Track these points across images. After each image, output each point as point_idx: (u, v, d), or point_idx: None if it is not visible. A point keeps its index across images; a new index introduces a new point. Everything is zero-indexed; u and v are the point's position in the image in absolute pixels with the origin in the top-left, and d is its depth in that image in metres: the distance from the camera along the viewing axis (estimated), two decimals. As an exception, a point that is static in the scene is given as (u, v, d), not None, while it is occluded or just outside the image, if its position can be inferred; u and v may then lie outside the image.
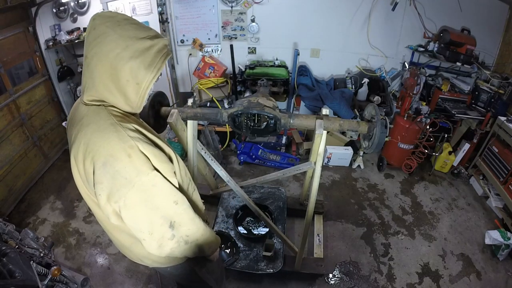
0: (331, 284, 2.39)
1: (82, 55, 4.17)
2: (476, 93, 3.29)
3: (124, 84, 0.96)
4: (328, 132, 1.88)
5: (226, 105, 3.59)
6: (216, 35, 3.75)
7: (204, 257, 1.33)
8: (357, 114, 3.35)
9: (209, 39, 3.78)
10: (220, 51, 3.86)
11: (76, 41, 3.52)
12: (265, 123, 1.83)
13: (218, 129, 3.72)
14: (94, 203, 1.07)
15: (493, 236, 2.53)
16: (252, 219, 2.65)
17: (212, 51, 3.86)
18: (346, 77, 3.71)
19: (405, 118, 3.24)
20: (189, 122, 1.96)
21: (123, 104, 1.01)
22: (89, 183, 0.97)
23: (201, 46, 3.80)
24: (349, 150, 3.58)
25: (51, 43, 3.40)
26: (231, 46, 3.33)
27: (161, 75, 1.06)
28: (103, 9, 3.57)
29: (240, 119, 1.81)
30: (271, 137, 3.86)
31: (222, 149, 3.81)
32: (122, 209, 0.94)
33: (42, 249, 1.87)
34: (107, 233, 1.26)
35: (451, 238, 2.77)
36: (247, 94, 3.63)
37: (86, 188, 1.03)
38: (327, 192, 3.28)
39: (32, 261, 1.66)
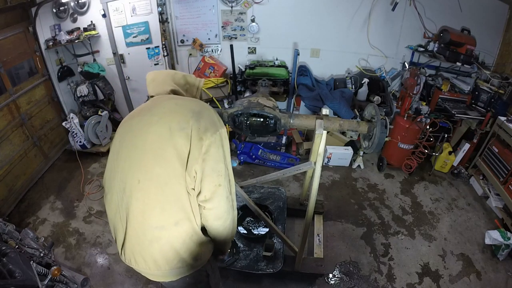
0: (331, 284, 2.39)
1: (82, 55, 4.17)
2: (476, 93, 3.29)
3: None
4: (328, 132, 1.89)
5: (226, 105, 3.59)
6: (216, 35, 3.75)
7: (215, 258, 1.40)
8: (357, 114, 3.34)
9: (209, 39, 3.78)
10: (220, 51, 3.86)
11: (76, 41, 3.52)
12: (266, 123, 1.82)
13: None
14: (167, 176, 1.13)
15: (493, 236, 2.53)
16: (252, 219, 2.65)
17: (212, 51, 3.86)
18: (346, 77, 3.71)
19: (405, 118, 3.24)
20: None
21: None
22: (179, 129, 1.13)
23: (201, 46, 3.80)
24: (349, 150, 3.58)
25: (51, 43, 3.40)
26: (231, 46, 3.33)
27: None
28: (103, 9, 3.57)
29: (240, 119, 1.81)
30: (271, 137, 3.86)
31: (222, 149, 3.81)
32: (212, 145, 1.14)
33: (42, 249, 1.88)
34: (142, 234, 1.17)
35: (451, 238, 2.77)
36: (247, 94, 3.63)
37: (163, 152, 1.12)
38: (327, 192, 3.28)
39: (32, 261, 1.66)
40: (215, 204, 1.17)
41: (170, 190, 1.13)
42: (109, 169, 1.26)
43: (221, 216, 1.21)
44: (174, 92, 1.35)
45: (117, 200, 1.20)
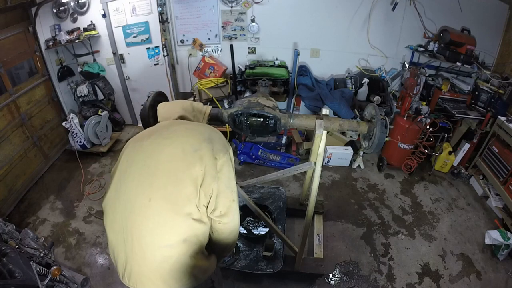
0: (331, 284, 2.39)
1: (82, 55, 4.17)
2: (476, 93, 3.29)
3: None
4: (328, 132, 1.88)
5: (226, 105, 3.59)
6: (216, 35, 3.75)
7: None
8: (357, 114, 3.35)
9: (209, 39, 3.78)
10: (220, 51, 3.86)
11: (76, 41, 3.52)
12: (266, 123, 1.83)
13: (218, 129, 3.70)
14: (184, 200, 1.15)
15: (493, 236, 2.53)
16: (252, 219, 2.65)
17: (212, 51, 3.86)
18: (346, 77, 3.71)
19: (405, 118, 3.24)
20: (189, 122, 1.96)
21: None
22: (193, 151, 1.19)
23: (201, 46, 3.80)
24: (349, 150, 3.58)
25: (51, 43, 3.41)
26: (231, 46, 3.33)
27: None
28: (103, 9, 3.57)
29: (240, 119, 1.81)
30: (271, 137, 3.86)
31: (222, 149, 3.81)
32: (225, 164, 1.22)
33: (42, 249, 1.87)
34: (151, 253, 1.15)
35: (451, 238, 2.77)
36: (247, 94, 3.63)
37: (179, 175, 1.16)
38: (327, 192, 3.28)
39: (32, 261, 1.66)
40: (230, 218, 1.25)
41: (181, 208, 1.14)
42: (113, 189, 1.24)
43: (234, 229, 1.29)
44: (182, 117, 1.46)
45: (121, 220, 1.18)
